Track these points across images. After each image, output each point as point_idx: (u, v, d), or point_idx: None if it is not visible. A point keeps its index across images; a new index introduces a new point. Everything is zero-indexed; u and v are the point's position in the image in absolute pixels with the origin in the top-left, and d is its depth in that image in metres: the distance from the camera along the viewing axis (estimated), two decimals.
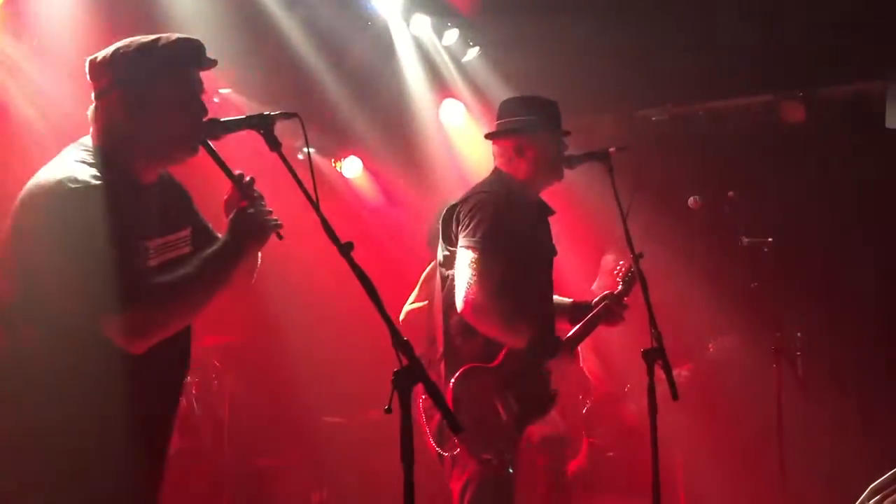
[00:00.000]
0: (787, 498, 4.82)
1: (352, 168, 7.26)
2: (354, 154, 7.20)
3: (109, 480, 2.15)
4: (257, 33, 5.54)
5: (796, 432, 5.03)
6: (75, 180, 2.11)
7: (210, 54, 2.34)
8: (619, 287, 3.67)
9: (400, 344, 2.02)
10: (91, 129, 2.30)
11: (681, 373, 5.31)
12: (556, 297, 3.67)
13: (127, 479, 2.20)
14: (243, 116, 2.28)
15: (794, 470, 4.86)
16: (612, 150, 3.46)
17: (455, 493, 3.32)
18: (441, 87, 6.47)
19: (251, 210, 2.25)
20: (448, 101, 6.63)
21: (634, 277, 3.66)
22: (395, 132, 6.79)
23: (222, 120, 2.30)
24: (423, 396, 3.22)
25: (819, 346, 5.60)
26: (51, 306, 2.09)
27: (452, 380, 3.26)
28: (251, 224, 2.25)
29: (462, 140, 6.78)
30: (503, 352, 3.31)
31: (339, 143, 7.03)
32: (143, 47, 2.26)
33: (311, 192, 2.16)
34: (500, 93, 6.15)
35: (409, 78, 6.25)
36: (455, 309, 3.29)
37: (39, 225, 2.10)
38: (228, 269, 2.24)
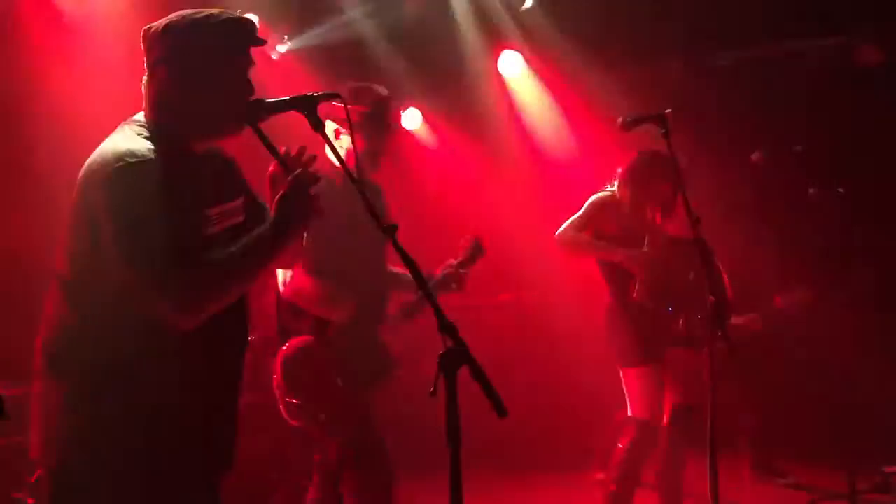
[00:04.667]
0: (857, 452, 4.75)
1: (412, 120, 7.23)
2: (414, 106, 7.17)
3: (179, 449, 2.21)
4: None
5: (869, 387, 4.95)
6: (132, 154, 2.14)
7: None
8: (461, 258, 3.78)
9: (445, 326, 2.02)
10: (143, 102, 2.33)
11: (746, 324, 5.23)
12: (397, 270, 3.72)
13: (196, 446, 2.26)
14: (287, 98, 2.27)
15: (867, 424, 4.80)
16: (668, 111, 3.36)
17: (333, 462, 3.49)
18: (499, 38, 6.37)
19: (295, 192, 2.25)
20: (506, 53, 6.51)
21: (479, 250, 3.82)
22: (453, 84, 6.73)
23: (267, 101, 2.30)
24: (275, 374, 3.41)
25: (893, 299, 5.44)
26: (111, 281, 2.13)
27: (282, 356, 3.41)
28: (295, 206, 2.25)
29: (521, 91, 6.68)
30: (332, 326, 3.42)
31: (399, 95, 6.99)
32: (193, 22, 2.27)
33: (352, 172, 2.15)
34: (559, 42, 6.05)
35: (465, 29, 6.15)
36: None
37: (99, 201, 2.13)
38: (274, 250, 2.26)
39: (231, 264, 2.19)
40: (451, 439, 2.00)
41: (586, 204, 4.30)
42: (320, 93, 2.25)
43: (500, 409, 2.00)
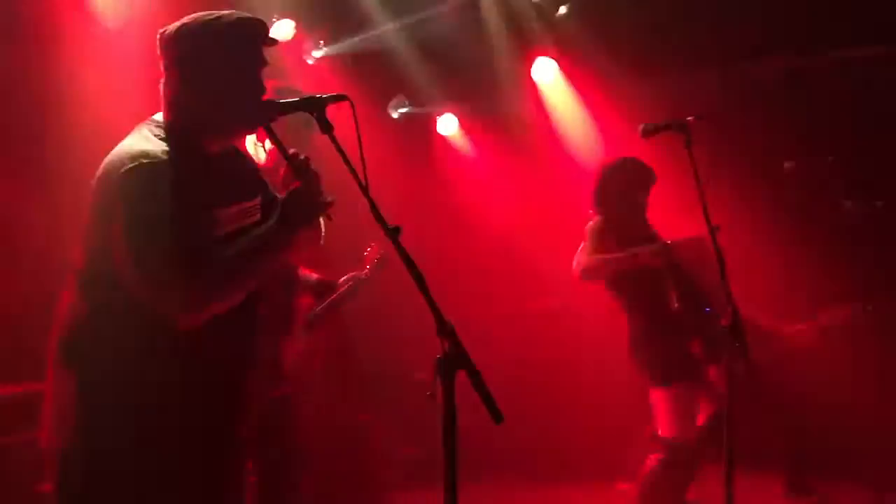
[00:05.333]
0: None
1: (448, 125, 7.25)
2: (451, 112, 7.18)
3: (186, 442, 2.25)
4: None
5: None
6: (146, 155, 2.19)
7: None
8: (367, 270, 3.84)
9: (444, 331, 2.02)
10: (162, 104, 2.38)
11: (795, 336, 5.14)
12: (303, 274, 3.70)
13: (206, 436, 2.30)
14: (297, 99, 2.30)
15: None
16: (690, 119, 3.32)
17: None
18: (533, 45, 6.36)
19: (302, 192, 2.27)
20: (540, 59, 6.50)
21: (384, 262, 3.84)
22: (487, 91, 6.73)
23: (278, 102, 2.33)
24: None
25: None
26: (122, 277, 2.18)
27: None
28: (301, 207, 2.28)
29: (554, 98, 6.66)
30: None
31: (434, 102, 7.02)
32: (205, 24, 2.31)
33: (360, 175, 2.16)
34: (592, 49, 6.01)
35: (498, 36, 6.15)
36: None
37: (111, 200, 2.19)
38: (276, 250, 2.29)
39: (234, 264, 2.23)
40: (446, 444, 2.01)
41: (587, 233, 4.23)
42: (329, 94, 2.27)
43: (495, 415, 1.99)
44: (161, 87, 2.37)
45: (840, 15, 5.35)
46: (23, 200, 4.24)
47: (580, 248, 4.23)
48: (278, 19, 5.82)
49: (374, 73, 6.42)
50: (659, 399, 4.11)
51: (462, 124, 7.21)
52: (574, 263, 4.21)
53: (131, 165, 2.17)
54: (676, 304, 4.04)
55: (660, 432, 4.15)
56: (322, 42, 6.31)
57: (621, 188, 4.26)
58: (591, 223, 4.27)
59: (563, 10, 6.07)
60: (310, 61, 6.33)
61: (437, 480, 2.01)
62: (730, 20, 5.50)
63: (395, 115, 7.11)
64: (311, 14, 5.98)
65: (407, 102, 7.08)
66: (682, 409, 4.06)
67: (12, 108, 4.33)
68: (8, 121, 4.32)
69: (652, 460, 4.17)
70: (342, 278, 3.81)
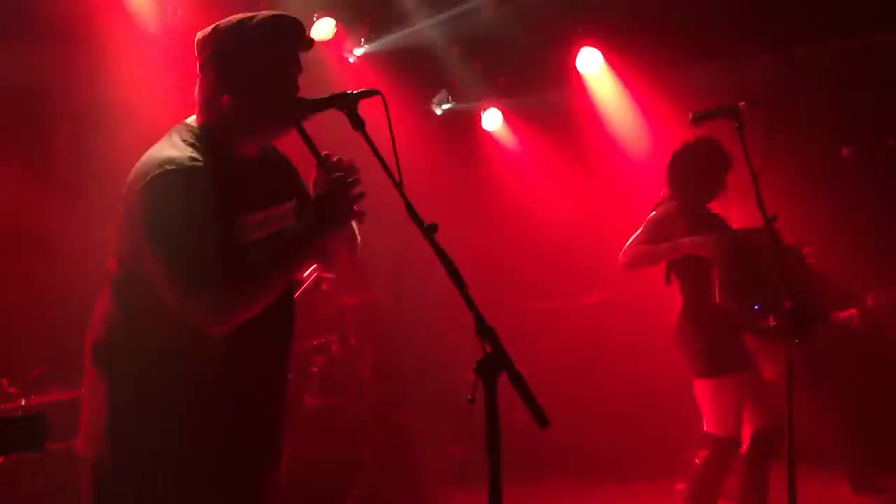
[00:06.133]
0: None
1: (492, 120, 7.16)
2: (495, 107, 7.09)
3: (219, 447, 2.21)
4: None
5: None
6: (172, 161, 2.16)
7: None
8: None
9: (484, 331, 1.94)
10: (196, 106, 2.34)
11: (845, 322, 4.95)
12: None
13: (236, 445, 2.25)
14: (328, 96, 2.23)
15: None
16: (742, 104, 3.19)
17: None
18: (577, 35, 6.23)
19: (331, 194, 2.21)
20: (584, 49, 6.36)
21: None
22: (532, 84, 6.63)
23: (308, 100, 2.27)
24: None
25: None
26: (153, 284, 2.16)
27: None
28: (329, 210, 2.22)
29: (599, 88, 6.52)
30: None
31: (478, 97, 6.94)
32: (239, 23, 2.27)
33: (394, 172, 2.09)
34: (638, 38, 5.86)
35: (540, 27, 6.04)
36: None
37: (139, 207, 2.16)
38: (305, 254, 2.25)
39: (260, 272, 2.18)
40: (490, 450, 1.92)
41: (647, 221, 4.10)
42: (359, 90, 2.20)
43: (541, 420, 1.89)
44: (196, 88, 2.34)
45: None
46: (60, 206, 4.28)
47: (634, 234, 4.09)
48: (319, 18, 5.80)
49: (416, 69, 6.36)
50: (703, 391, 3.99)
51: (507, 119, 7.12)
52: (621, 252, 4.09)
53: (156, 173, 2.14)
54: (717, 299, 3.87)
55: (706, 428, 4.03)
56: (363, 39, 6.27)
57: (700, 170, 4.07)
58: (658, 209, 4.11)
59: None
60: (351, 59, 6.31)
61: (486, 479, 1.96)
62: (780, 1, 5.29)
63: (438, 112, 7.06)
64: (351, 12, 5.96)
65: (450, 98, 7.01)
66: (728, 403, 3.93)
67: (50, 113, 4.37)
68: (46, 125, 4.36)
69: (699, 458, 4.05)
70: (306, 272, 3.77)
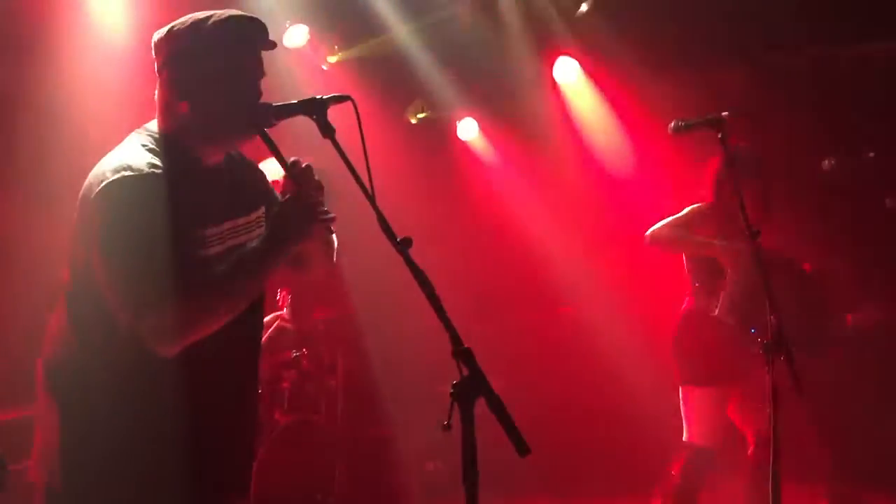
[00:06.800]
0: None
1: (468, 130, 7.07)
2: (471, 116, 7.00)
3: (177, 476, 2.08)
4: None
5: None
6: (130, 167, 2.03)
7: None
8: None
9: (460, 353, 1.83)
10: (156, 111, 2.22)
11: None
12: None
13: (196, 470, 2.12)
14: (295, 101, 2.12)
15: None
16: (725, 114, 3.11)
17: None
18: (554, 45, 6.17)
19: (294, 202, 2.09)
20: (561, 59, 6.30)
21: None
22: (508, 93, 6.55)
23: (274, 105, 2.14)
24: None
25: None
26: (103, 299, 2.03)
27: None
28: (291, 218, 2.09)
29: (577, 98, 6.46)
30: None
31: (454, 106, 6.85)
32: (193, 25, 2.15)
33: (365, 181, 1.98)
34: (616, 48, 5.81)
35: (518, 36, 5.97)
36: None
37: (93, 214, 2.04)
38: (264, 267, 2.10)
39: (217, 287, 2.05)
40: (466, 477, 1.81)
41: (686, 209, 4.05)
42: (329, 95, 2.08)
43: (521, 448, 1.79)
44: (155, 93, 2.21)
45: (866, 8, 5.09)
46: (23, 215, 4.13)
47: (671, 217, 4.02)
48: (291, 25, 5.68)
49: (391, 77, 6.26)
50: (688, 398, 3.95)
51: (483, 128, 7.03)
52: (652, 229, 4.01)
53: (112, 179, 2.01)
54: (716, 312, 3.84)
55: (686, 437, 3.98)
56: (337, 47, 6.15)
57: (727, 178, 3.93)
58: (697, 204, 4.05)
59: (584, 7, 5.85)
60: (324, 67, 6.19)
61: (461, 495, 1.86)
62: (758, 10, 5.24)
63: (413, 121, 6.96)
64: (324, 19, 5.83)
65: (425, 107, 6.92)
66: (710, 413, 3.90)
67: (12, 120, 4.23)
68: (7, 133, 4.22)
69: (675, 469, 4.00)
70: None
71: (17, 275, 4.23)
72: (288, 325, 5.28)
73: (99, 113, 4.10)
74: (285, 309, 5.34)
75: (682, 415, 3.99)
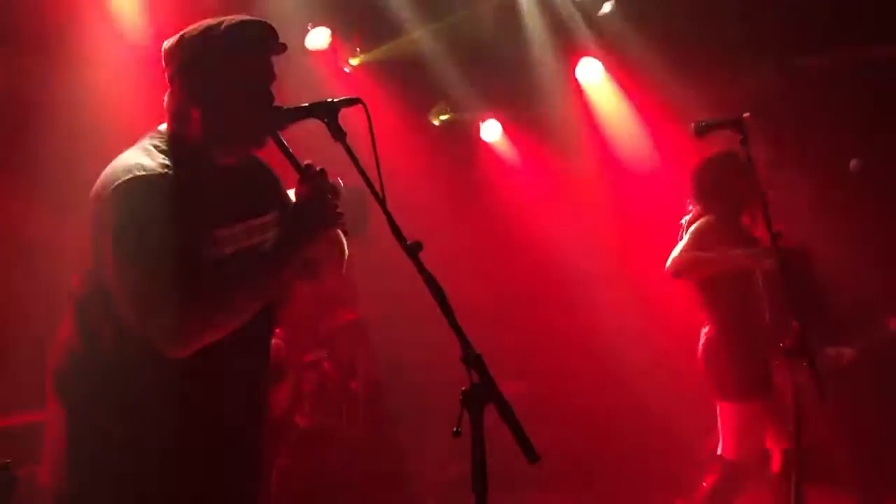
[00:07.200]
0: None
1: (491, 131, 7.04)
2: (494, 117, 6.97)
3: (187, 487, 2.07)
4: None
5: None
6: (142, 168, 2.03)
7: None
8: None
9: (471, 359, 1.80)
10: (166, 116, 2.22)
11: (843, 352, 4.80)
12: None
13: (208, 480, 2.12)
14: (306, 105, 2.11)
15: None
16: (746, 115, 3.07)
17: None
18: (577, 46, 6.13)
19: (306, 203, 2.07)
20: (584, 60, 6.25)
21: None
22: (530, 94, 6.52)
23: (285, 108, 2.13)
24: None
25: None
26: (113, 302, 2.02)
27: None
28: (303, 219, 2.08)
29: (599, 99, 6.41)
30: None
31: (477, 107, 6.83)
32: (206, 30, 2.15)
33: (376, 186, 1.96)
34: (639, 48, 5.76)
35: (541, 38, 5.94)
36: None
37: (105, 215, 2.04)
38: (277, 269, 2.09)
39: (228, 289, 2.03)
40: (476, 484, 1.79)
41: (689, 231, 3.90)
42: (340, 98, 2.06)
43: (530, 455, 1.77)
44: (166, 98, 2.21)
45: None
46: (47, 221, 4.16)
47: (681, 243, 3.89)
48: (313, 27, 5.68)
49: (413, 79, 6.25)
50: (728, 415, 3.84)
51: (506, 130, 7.00)
52: (670, 260, 3.87)
53: (124, 179, 2.01)
54: (768, 318, 3.76)
55: (720, 451, 3.89)
56: (359, 49, 6.15)
57: (729, 183, 3.88)
58: (700, 222, 3.92)
59: (606, 7, 5.80)
60: (347, 69, 6.19)
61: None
62: (785, 9, 5.16)
63: (436, 123, 6.94)
64: (346, 21, 5.83)
65: (448, 109, 6.90)
66: (750, 429, 3.80)
67: (37, 123, 4.26)
68: (33, 135, 4.25)
69: (707, 481, 3.93)
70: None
71: (31, 279, 4.26)
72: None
73: (122, 119, 4.11)
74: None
75: (719, 429, 3.90)
